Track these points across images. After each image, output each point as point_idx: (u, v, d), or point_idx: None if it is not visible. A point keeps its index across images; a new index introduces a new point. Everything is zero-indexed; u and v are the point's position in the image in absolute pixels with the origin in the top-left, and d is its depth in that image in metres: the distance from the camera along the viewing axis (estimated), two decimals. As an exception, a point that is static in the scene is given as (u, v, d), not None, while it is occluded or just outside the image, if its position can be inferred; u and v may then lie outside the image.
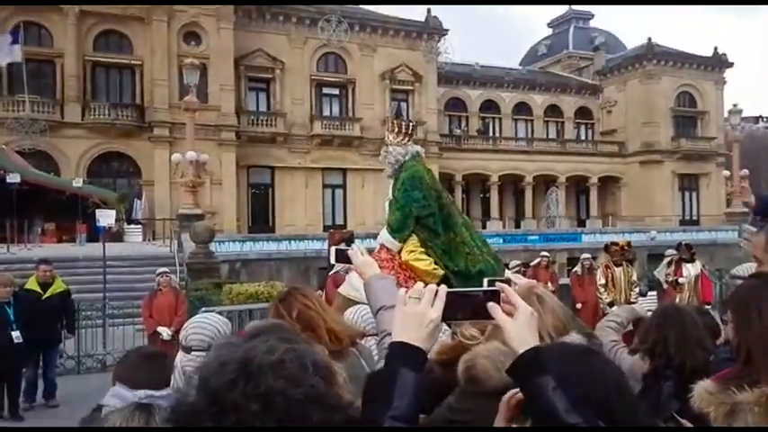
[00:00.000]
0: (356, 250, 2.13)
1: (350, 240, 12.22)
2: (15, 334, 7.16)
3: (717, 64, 39.57)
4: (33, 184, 21.84)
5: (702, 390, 1.54)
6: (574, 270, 11.55)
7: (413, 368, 1.12)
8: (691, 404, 1.57)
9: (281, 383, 1.01)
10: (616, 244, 10.00)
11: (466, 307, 1.20)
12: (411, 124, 5.16)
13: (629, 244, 10.03)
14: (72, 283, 11.86)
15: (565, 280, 12.61)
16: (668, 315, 2.81)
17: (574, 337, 1.71)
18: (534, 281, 2.59)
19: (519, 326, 1.15)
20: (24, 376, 7.68)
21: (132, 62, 27.57)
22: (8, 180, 18.89)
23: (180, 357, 2.86)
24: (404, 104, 33.41)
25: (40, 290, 7.90)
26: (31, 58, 24.72)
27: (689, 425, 1.89)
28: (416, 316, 1.15)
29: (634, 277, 9.57)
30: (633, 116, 38.23)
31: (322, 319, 2.21)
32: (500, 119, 39.14)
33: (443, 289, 1.19)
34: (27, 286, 7.96)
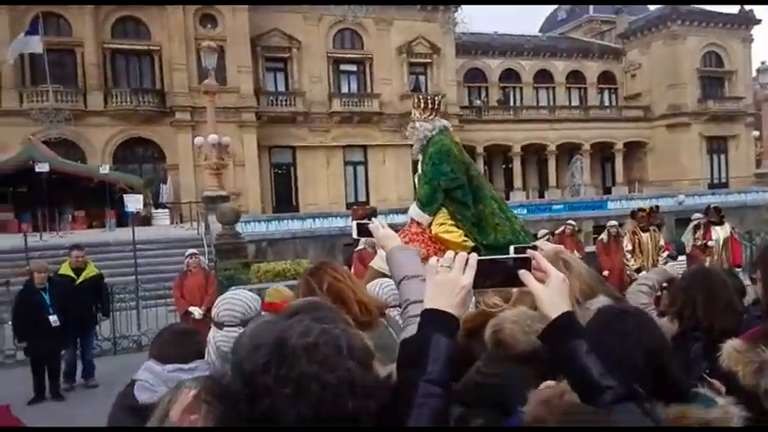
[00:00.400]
0: (377, 223, 2.15)
1: (373, 216, 12.29)
2: (53, 318, 7.41)
3: (743, 21, 38.26)
4: (62, 173, 22.28)
5: (731, 348, 1.55)
6: (600, 237, 11.43)
7: (446, 334, 1.14)
8: (719, 363, 1.58)
9: (314, 368, 1.01)
10: (643, 210, 9.87)
11: (496, 274, 1.21)
12: (437, 99, 5.10)
13: (655, 209, 9.89)
14: (104, 267, 12.15)
15: (591, 248, 12.50)
16: (696, 277, 2.80)
17: (601, 300, 1.71)
18: (561, 246, 2.59)
19: (551, 291, 1.16)
20: (63, 359, 7.92)
21: (150, 48, 27.73)
22: (37, 169, 19.28)
23: (213, 333, 2.95)
24: (422, 78, 33.14)
25: (73, 275, 8.10)
26: (51, 49, 24.96)
27: (718, 384, 1.90)
28: (448, 283, 1.17)
29: (661, 242, 9.45)
30: (658, 79, 37.31)
31: (352, 291, 2.25)
32: (521, 88, 38.53)
33: (474, 257, 1.21)
34: (61, 272, 8.16)
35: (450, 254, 1.24)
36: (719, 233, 9.59)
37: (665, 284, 3.31)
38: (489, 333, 2.04)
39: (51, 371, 7.61)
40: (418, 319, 1.21)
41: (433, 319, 1.16)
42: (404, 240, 4.17)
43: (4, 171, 22.05)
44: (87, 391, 7.95)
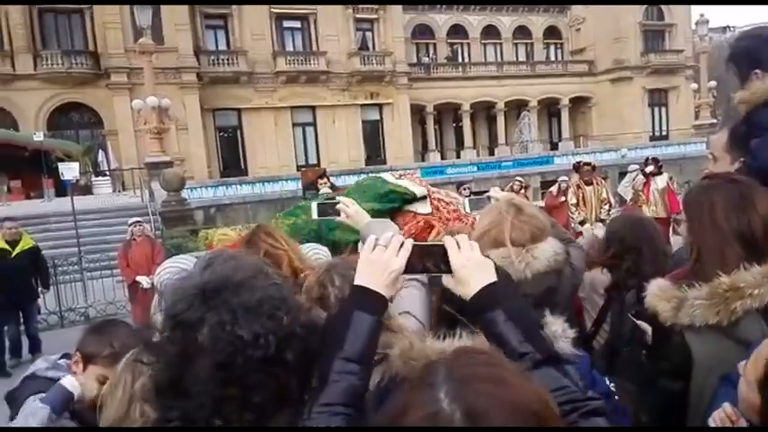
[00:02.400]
0: (345, 201, 2.13)
1: (323, 177, 12.17)
2: None
3: (684, -26, 38.93)
4: (-9, 142, 21.12)
5: (655, 288, 1.59)
6: (549, 190, 11.69)
7: (370, 311, 1.13)
8: (645, 304, 1.62)
9: (244, 296, 1.05)
10: (587, 164, 10.12)
11: (429, 259, 1.22)
12: None
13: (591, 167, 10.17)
14: (45, 239, 11.72)
15: (539, 203, 12.79)
16: (635, 228, 2.81)
17: (550, 243, 1.73)
18: (513, 194, 2.61)
19: (471, 269, 1.18)
20: (7, 335, 7.72)
21: (81, 6, 26.12)
22: (-36, 139, 18.23)
23: (156, 301, 2.88)
24: (368, 34, 32.55)
25: (8, 247, 7.78)
26: (-30, 8, 23.30)
27: (646, 326, 1.96)
28: (380, 263, 1.18)
29: (604, 195, 9.72)
30: (602, 33, 37.79)
31: (287, 256, 2.22)
32: (468, 44, 38.39)
33: (410, 241, 1.21)
34: None
35: (388, 234, 1.23)
36: (658, 183, 9.90)
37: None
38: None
39: None
40: None
41: (359, 296, 1.16)
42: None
43: (-73, 141, 20.72)
44: (34, 365, 7.76)
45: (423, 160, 32.53)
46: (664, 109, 39.32)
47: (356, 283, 1.18)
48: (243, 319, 1.02)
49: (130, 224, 8.87)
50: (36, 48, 25.50)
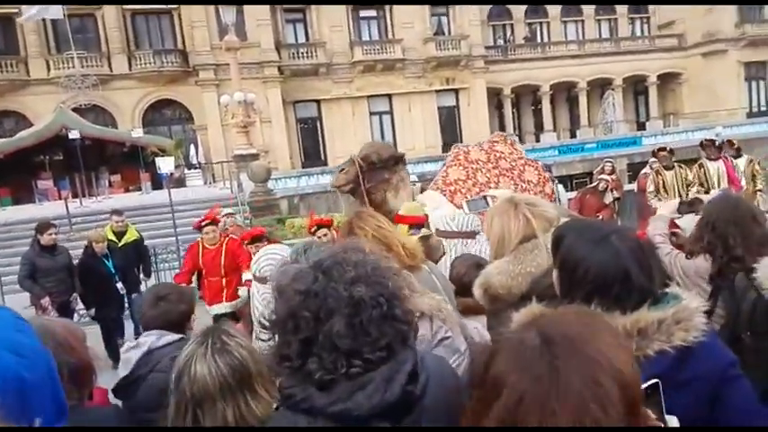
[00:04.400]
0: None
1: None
2: (119, 285, 7.84)
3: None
4: (94, 139, 22.74)
5: (766, 268, 1.56)
6: (643, 171, 11.27)
7: None
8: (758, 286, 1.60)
9: (356, 269, 1.23)
10: (663, 149, 9.67)
11: None
12: None
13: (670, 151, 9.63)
14: (144, 229, 12.49)
15: (630, 186, 12.37)
16: (724, 211, 2.67)
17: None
18: (510, 192, 2.65)
19: None
20: (116, 322, 8.18)
21: (169, 7, 27.53)
22: (70, 136, 19.72)
23: (256, 288, 3.07)
24: (444, 19, 32.23)
25: (115, 239, 8.29)
26: (72, 14, 25.00)
27: None
28: None
29: (690, 177, 9.22)
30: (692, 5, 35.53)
31: (396, 236, 2.31)
32: (548, 23, 37.15)
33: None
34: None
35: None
36: (740, 165, 9.29)
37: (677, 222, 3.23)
38: (480, 293, 2.13)
39: (114, 336, 7.77)
40: None
41: None
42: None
43: (40, 140, 22.59)
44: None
45: (501, 145, 31.93)
46: (762, 83, 36.54)
47: None
48: (360, 285, 1.21)
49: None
50: (130, 49, 27.16)
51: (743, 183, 9.11)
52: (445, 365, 1.42)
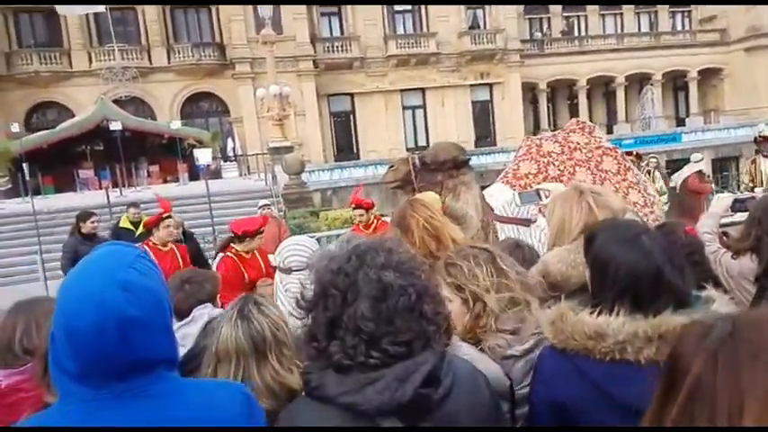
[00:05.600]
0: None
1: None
2: None
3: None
4: (134, 131, 23.26)
5: None
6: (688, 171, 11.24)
7: None
8: None
9: (389, 256, 1.27)
10: (764, 136, 9.36)
11: None
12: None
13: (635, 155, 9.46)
14: (183, 219, 12.78)
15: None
16: (759, 206, 2.59)
17: (629, 217, 1.91)
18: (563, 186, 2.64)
19: None
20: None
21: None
22: (112, 128, 20.19)
23: (279, 278, 3.09)
24: (479, 12, 31.96)
25: (132, 228, 8.50)
26: (114, 7, 25.57)
27: None
28: None
29: None
30: (736, -2, 34.45)
31: (447, 228, 2.36)
32: (585, 16, 36.50)
33: None
34: (121, 224, 8.72)
35: None
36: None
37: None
38: (538, 281, 2.15)
39: None
40: None
41: None
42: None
43: (82, 131, 23.21)
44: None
45: (535, 140, 31.53)
46: (809, 79, 35.24)
47: None
48: (390, 271, 1.23)
49: (260, 207, 9.56)
50: (169, 42, 27.67)
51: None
52: (479, 374, 1.37)
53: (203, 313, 2.48)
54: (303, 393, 1.29)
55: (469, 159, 3.97)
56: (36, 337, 1.61)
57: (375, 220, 6.93)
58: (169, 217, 6.20)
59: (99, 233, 8.12)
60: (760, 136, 9.13)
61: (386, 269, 1.22)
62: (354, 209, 6.83)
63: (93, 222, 7.71)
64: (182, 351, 2.43)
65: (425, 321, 1.23)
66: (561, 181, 3.80)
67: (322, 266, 1.28)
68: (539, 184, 3.84)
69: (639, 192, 4.16)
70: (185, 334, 2.42)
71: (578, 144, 4.26)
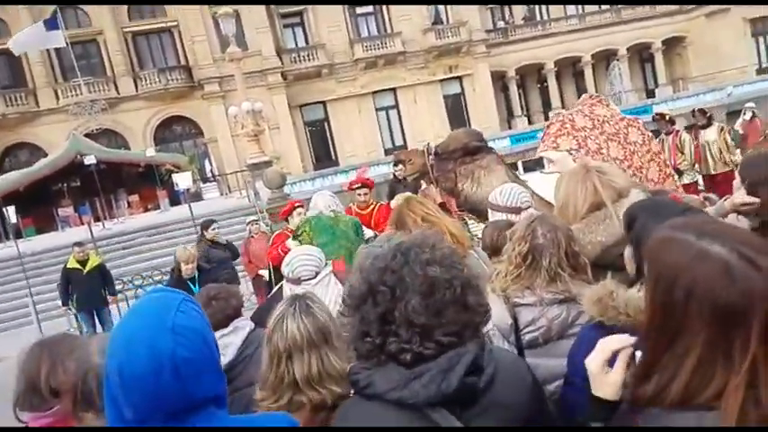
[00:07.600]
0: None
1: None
2: None
3: None
4: (109, 162, 23.01)
5: None
6: (744, 117, 11.57)
7: None
8: None
9: (432, 252, 1.29)
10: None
11: None
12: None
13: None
14: (170, 245, 12.73)
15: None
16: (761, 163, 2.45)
17: (634, 195, 1.94)
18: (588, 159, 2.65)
19: None
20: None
21: (168, 24, 27.77)
22: (86, 162, 19.95)
23: (288, 289, 3.10)
24: (441, 8, 32.10)
25: (80, 266, 9.29)
26: (75, 41, 25.29)
27: None
28: None
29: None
30: (691, -35, 35.02)
31: (444, 223, 2.37)
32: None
33: None
34: (68, 265, 9.41)
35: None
36: (708, 136, 8.87)
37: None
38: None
39: None
40: None
41: None
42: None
43: (56, 168, 22.92)
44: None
45: (509, 128, 31.76)
46: (771, 37, 35.94)
47: None
48: (435, 266, 1.26)
49: (248, 223, 9.55)
50: (134, 70, 27.43)
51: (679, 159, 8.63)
52: (520, 363, 1.44)
53: (245, 324, 2.57)
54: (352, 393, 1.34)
55: (484, 144, 3.99)
56: (62, 374, 1.60)
57: (374, 203, 6.99)
58: (301, 206, 6.49)
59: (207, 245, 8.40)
60: (656, 114, 9.26)
61: (431, 265, 1.26)
62: (359, 188, 6.87)
63: (214, 229, 8.54)
64: (223, 360, 2.48)
65: (471, 312, 1.27)
66: (601, 155, 3.78)
67: (367, 265, 1.31)
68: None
69: (658, 164, 4.16)
70: (227, 343, 2.48)
71: (605, 117, 4.22)
